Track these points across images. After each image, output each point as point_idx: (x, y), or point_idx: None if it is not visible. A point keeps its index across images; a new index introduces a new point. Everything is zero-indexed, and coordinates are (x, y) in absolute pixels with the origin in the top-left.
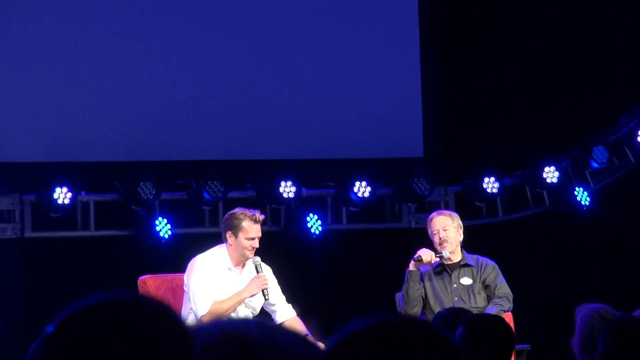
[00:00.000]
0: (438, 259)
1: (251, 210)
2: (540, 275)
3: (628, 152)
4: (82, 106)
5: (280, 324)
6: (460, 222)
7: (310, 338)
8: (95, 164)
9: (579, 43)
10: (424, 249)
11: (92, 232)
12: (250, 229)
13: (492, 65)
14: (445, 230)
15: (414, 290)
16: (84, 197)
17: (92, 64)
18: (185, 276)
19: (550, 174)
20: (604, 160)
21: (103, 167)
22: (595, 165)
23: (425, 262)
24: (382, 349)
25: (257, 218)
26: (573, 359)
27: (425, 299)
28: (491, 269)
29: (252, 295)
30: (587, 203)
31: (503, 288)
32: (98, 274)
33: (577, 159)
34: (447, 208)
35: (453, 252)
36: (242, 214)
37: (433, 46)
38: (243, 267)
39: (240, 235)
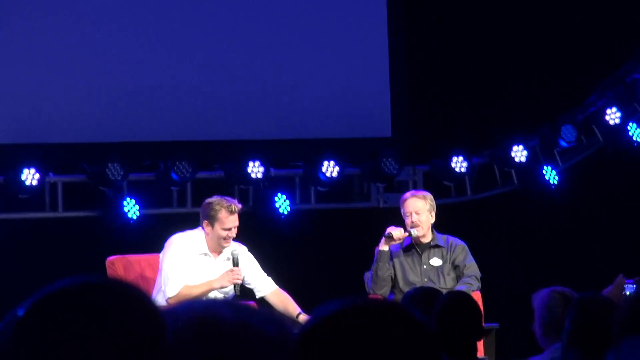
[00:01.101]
0: (407, 235)
1: (228, 199)
2: (509, 254)
3: (596, 130)
4: (50, 87)
5: (262, 298)
6: (434, 204)
7: (294, 311)
8: (63, 145)
9: (547, 22)
10: (393, 227)
11: (60, 213)
12: (227, 220)
13: (460, 44)
14: (418, 214)
15: (383, 270)
16: (51, 178)
17: (59, 45)
18: (161, 254)
19: (519, 153)
20: (573, 139)
21: (71, 149)
22: (563, 144)
23: (395, 238)
24: (355, 332)
25: (234, 208)
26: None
27: (394, 280)
28: (460, 250)
29: (222, 287)
30: (555, 182)
31: (472, 268)
32: (66, 255)
33: (546, 138)
34: (415, 187)
35: (425, 235)
36: (218, 204)
37: (401, 25)
38: (219, 254)
39: (217, 226)
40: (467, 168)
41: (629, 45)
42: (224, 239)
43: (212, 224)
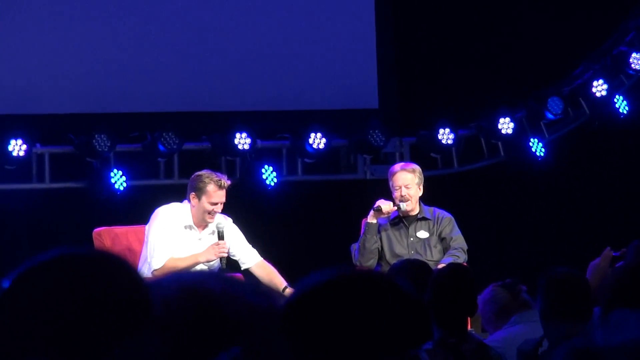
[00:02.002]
0: (396, 209)
1: (218, 174)
2: (495, 226)
3: (583, 103)
4: (37, 58)
5: (247, 270)
6: (422, 176)
7: (280, 284)
8: (50, 116)
9: None
10: (382, 200)
11: (47, 185)
12: (215, 194)
13: (447, 16)
14: (408, 187)
15: (370, 242)
16: (38, 149)
17: (45, 16)
18: (147, 226)
19: (505, 125)
20: (559, 112)
21: (58, 119)
22: (550, 116)
23: (384, 212)
24: (340, 302)
25: (223, 184)
26: None
27: (381, 252)
28: (447, 222)
29: (209, 261)
30: (542, 154)
31: (458, 240)
32: (53, 226)
33: (532, 110)
34: (402, 159)
35: (413, 208)
36: (208, 177)
37: None
38: (204, 227)
39: (204, 199)
40: (454, 140)
41: (616, 17)
42: (209, 213)
43: (199, 197)
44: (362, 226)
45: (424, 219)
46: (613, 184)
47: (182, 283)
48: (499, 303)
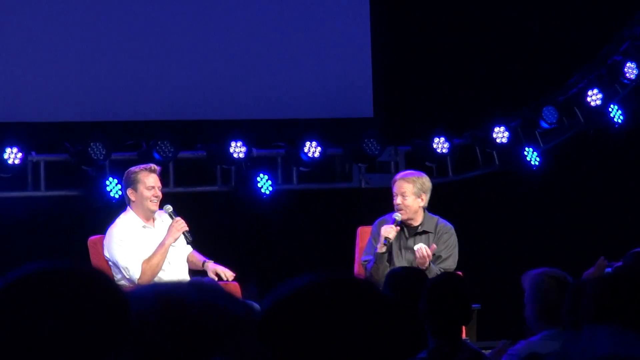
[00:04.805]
0: (399, 228)
1: (144, 164)
2: (490, 236)
3: (577, 112)
4: (33, 66)
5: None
6: (426, 187)
7: (199, 260)
8: (45, 124)
9: (529, 2)
10: (385, 227)
11: (42, 193)
12: (147, 179)
13: (442, 25)
14: (404, 196)
15: (381, 270)
16: (34, 157)
17: (41, 24)
18: (105, 250)
19: (500, 134)
20: (554, 121)
21: (53, 128)
22: (545, 125)
23: (392, 238)
24: (317, 309)
25: (153, 168)
26: (522, 319)
27: None
28: (445, 239)
29: (176, 240)
30: (536, 163)
31: (447, 263)
32: (48, 235)
33: (527, 119)
34: (397, 168)
35: (414, 219)
36: (135, 169)
37: (383, 6)
38: (154, 221)
39: (140, 188)
40: (449, 149)
41: (611, 27)
42: (150, 200)
43: (136, 189)
44: (357, 235)
45: (424, 232)
46: (608, 193)
47: (158, 294)
48: (547, 299)
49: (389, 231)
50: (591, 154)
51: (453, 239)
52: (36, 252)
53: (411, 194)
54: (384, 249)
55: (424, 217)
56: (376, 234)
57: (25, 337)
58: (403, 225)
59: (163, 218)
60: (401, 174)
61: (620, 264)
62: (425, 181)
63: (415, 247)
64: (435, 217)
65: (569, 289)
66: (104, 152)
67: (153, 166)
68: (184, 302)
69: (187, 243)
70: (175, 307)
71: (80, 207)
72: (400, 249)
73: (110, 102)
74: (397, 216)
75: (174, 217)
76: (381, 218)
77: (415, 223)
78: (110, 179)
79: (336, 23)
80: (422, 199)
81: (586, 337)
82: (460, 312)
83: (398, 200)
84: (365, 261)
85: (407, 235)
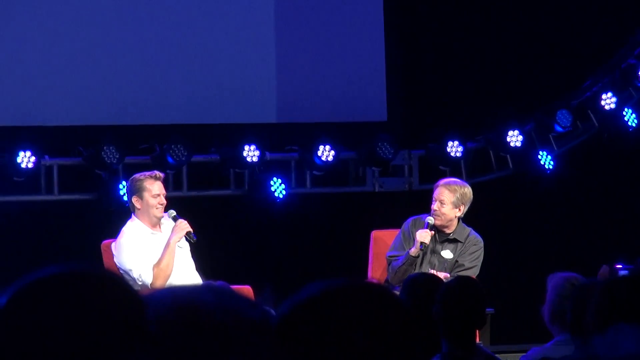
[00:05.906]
0: (433, 232)
1: (148, 172)
2: (504, 239)
3: (592, 115)
4: (46, 70)
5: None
6: (466, 197)
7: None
8: (58, 128)
9: (543, 6)
10: (421, 232)
11: (55, 196)
12: (153, 186)
13: (456, 28)
14: (442, 203)
15: (407, 272)
16: (47, 161)
17: (54, 27)
18: (115, 260)
19: (514, 138)
20: (568, 124)
21: (67, 131)
22: (559, 129)
23: (428, 242)
24: (335, 315)
25: (157, 176)
26: (536, 324)
27: None
28: (472, 251)
29: (180, 239)
30: (550, 167)
31: (469, 273)
32: (62, 238)
33: (541, 122)
34: (411, 172)
35: (448, 227)
36: (140, 176)
37: (397, 8)
38: (161, 226)
39: (146, 196)
40: (463, 153)
41: (625, 30)
42: (156, 207)
43: (141, 197)
44: (371, 238)
45: (455, 240)
46: (622, 197)
47: (176, 298)
48: (561, 303)
49: (424, 236)
50: (605, 157)
51: (480, 252)
52: (49, 256)
53: (450, 202)
54: (419, 254)
55: (458, 226)
56: (408, 233)
57: (42, 339)
58: (435, 229)
59: (168, 222)
60: (445, 180)
61: (631, 267)
62: (467, 192)
63: (432, 270)
64: (468, 229)
65: (572, 296)
66: (117, 156)
67: (157, 173)
68: (201, 305)
69: (192, 241)
70: (193, 311)
71: (93, 211)
72: (427, 254)
73: (123, 106)
74: (430, 220)
75: (176, 219)
76: (415, 217)
77: (448, 231)
78: (124, 182)
79: (350, 27)
80: (459, 210)
81: (611, 336)
82: (475, 316)
83: (435, 206)
84: (392, 256)
85: (437, 240)
